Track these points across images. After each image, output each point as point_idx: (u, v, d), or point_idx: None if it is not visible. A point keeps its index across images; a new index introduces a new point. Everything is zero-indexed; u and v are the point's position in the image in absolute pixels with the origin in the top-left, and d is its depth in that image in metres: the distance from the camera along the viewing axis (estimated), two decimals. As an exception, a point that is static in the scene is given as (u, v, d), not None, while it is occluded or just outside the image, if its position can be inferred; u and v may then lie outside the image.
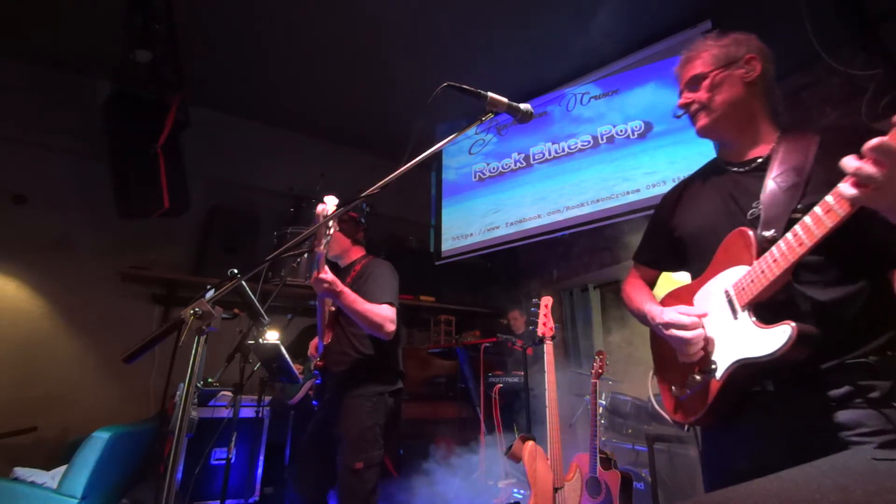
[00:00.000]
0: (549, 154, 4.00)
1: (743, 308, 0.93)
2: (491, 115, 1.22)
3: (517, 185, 4.14)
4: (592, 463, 2.36)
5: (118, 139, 3.26)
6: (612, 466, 2.41)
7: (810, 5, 2.72)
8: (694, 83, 1.11)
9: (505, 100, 1.20)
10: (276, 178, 4.48)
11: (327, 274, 1.80)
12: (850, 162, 0.73)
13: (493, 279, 4.66)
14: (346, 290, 1.86)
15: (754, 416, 0.97)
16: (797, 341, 0.82)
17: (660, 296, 1.25)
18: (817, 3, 2.71)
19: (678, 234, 1.19)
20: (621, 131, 3.61)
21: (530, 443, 2.04)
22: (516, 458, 2.04)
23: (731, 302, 0.96)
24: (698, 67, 1.11)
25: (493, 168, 4.35)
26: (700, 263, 1.08)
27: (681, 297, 1.12)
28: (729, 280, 0.97)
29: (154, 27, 2.82)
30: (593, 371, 2.64)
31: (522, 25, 3.39)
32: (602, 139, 3.70)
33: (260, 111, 4.43)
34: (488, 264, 4.92)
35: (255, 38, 3.48)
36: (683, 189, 1.25)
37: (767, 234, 0.92)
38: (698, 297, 1.06)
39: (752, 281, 0.91)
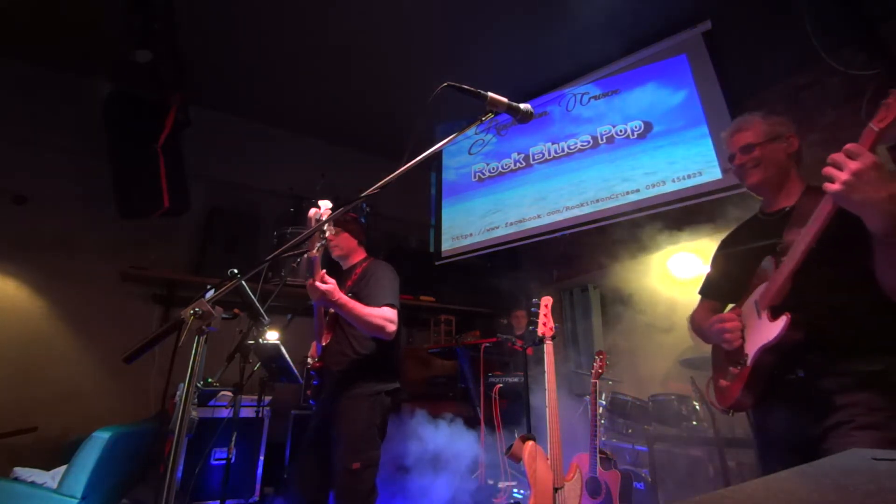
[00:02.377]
0: (549, 154, 4.00)
1: (763, 310, 1.23)
2: (491, 115, 1.22)
3: (517, 185, 4.14)
4: (592, 463, 2.36)
5: (118, 139, 3.26)
6: (612, 466, 2.41)
7: (810, 5, 2.72)
8: (747, 149, 1.41)
9: (505, 100, 1.20)
10: (276, 178, 4.49)
11: (323, 282, 1.78)
12: (826, 168, 1.01)
13: (493, 279, 4.66)
14: (343, 297, 1.85)
15: (788, 397, 1.21)
16: (791, 326, 1.12)
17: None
18: (817, 3, 2.71)
19: (731, 269, 1.50)
20: (621, 131, 3.61)
21: (530, 443, 2.04)
22: (516, 458, 2.04)
23: (757, 308, 1.26)
24: (751, 137, 1.42)
25: (493, 168, 4.35)
26: (746, 289, 1.38)
27: (734, 310, 1.43)
28: (757, 294, 1.29)
29: (154, 27, 2.82)
30: (593, 371, 2.64)
31: (522, 25, 3.39)
32: (602, 139, 3.71)
33: (260, 111, 4.43)
34: (488, 264, 4.92)
35: (256, 38, 3.48)
36: (734, 236, 1.59)
37: (784, 258, 1.20)
38: (743, 308, 1.36)
39: (768, 289, 1.23)
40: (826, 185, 1.02)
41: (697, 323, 1.59)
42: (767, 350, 1.17)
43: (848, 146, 0.99)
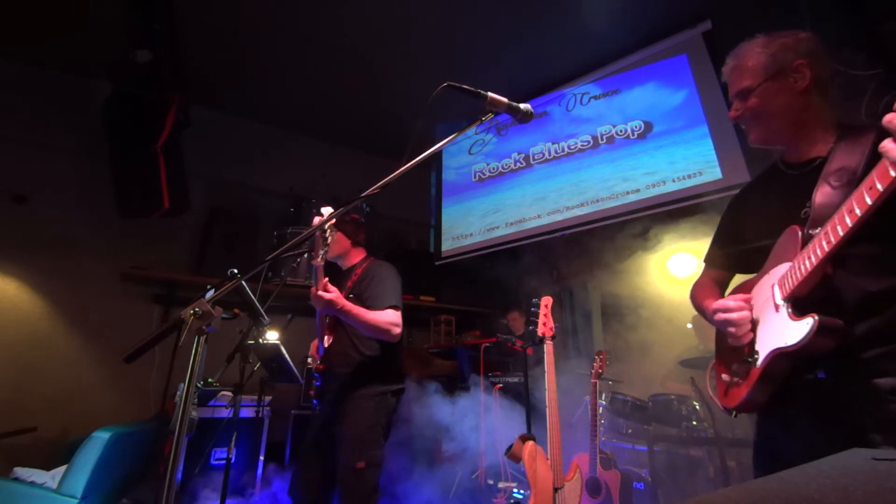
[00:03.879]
0: (549, 154, 4.00)
1: (783, 301, 0.96)
2: (491, 115, 1.22)
3: (517, 185, 4.14)
4: (592, 463, 2.36)
5: (118, 139, 3.26)
6: (612, 466, 2.41)
7: (810, 5, 2.72)
8: (743, 95, 1.11)
9: (505, 100, 1.20)
10: (276, 178, 4.48)
11: (328, 292, 1.78)
12: (891, 118, 0.66)
13: (493, 279, 4.66)
14: (347, 304, 1.85)
15: (805, 404, 0.99)
16: (818, 332, 0.85)
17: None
18: (817, 3, 2.71)
19: (745, 234, 1.21)
20: (621, 131, 3.61)
21: (530, 443, 2.04)
22: (516, 459, 2.04)
23: (775, 296, 1.00)
24: (747, 80, 1.10)
25: (493, 168, 4.35)
26: (762, 262, 1.11)
27: (743, 290, 1.16)
28: (777, 275, 1.01)
29: (154, 27, 2.82)
30: (593, 371, 2.64)
31: (523, 25, 3.39)
32: (602, 139, 3.70)
33: (259, 111, 4.43)
34: (488, 264, 4.92)
35: (255, 38, 3.48)
36: (747, 193, 1.29)
37: (814, 231, 0.92)
38: (755, 291, 1.10)
39: (792, 276, 0.95)
40: (887, 148, 0.69)
41: (699, 299, 1.30)
42: (785, 355, 0.93)
43: None
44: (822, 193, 0.96)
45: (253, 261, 3.99)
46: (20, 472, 2.51)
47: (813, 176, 1.01)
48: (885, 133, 0.71)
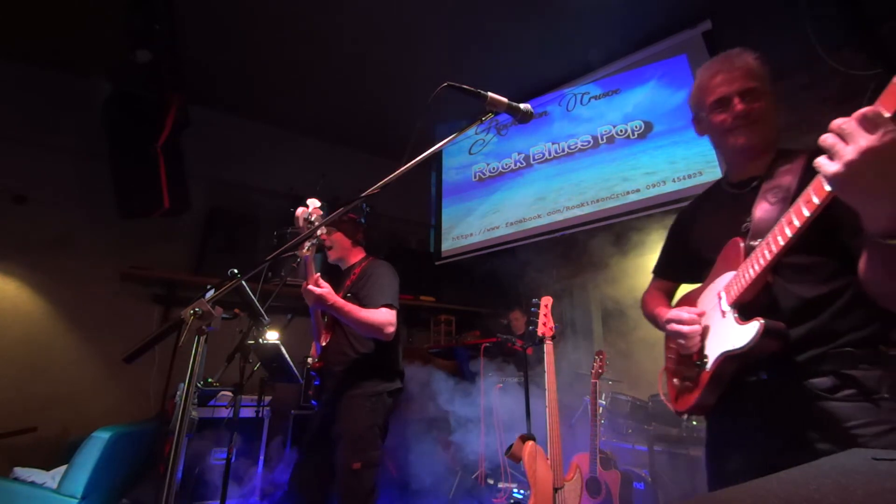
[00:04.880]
0: (549, 154, 4.00)
1: (729, 307, 1.04)
2: (491, 115, 1.22)
3: (517, 185, 4.14)
4: (592, 463, 2.36)
5: (118, 139, 3.26)
6: (612, 466, 2.41)
7: (810, 5, 2.72)
8: (751, 96, 1.11)
9: (505, 100, 1.20)
10: (276, 178, 4.48)
11: (317, 286, 1.77)
12: (825, 137, 0.72)
13: (493, 279, 4.66)
14: (339, 300, 1.84)
15: (751, 404, 1.06)
16: (764, 335, 0.92)
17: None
18: (817, 3, 2.71)
19: (691, 248, 1.29)
20: (621, 131, 3.61)
21: (530, 443, 2.04)
22: (516, 459, 2.04)
23: (721, 302, 1.07)
24: (756, 81, 1.12)
25: (493, 168, 4.35)
26: (707, 273, 1.19)
27: (689, 299, 1.24)
28: (722, 283, 1.09)
29: (154, 27, 2.82)
30: (593, 371, 2.64)
31: (523, 25, 3.39)
32: (602, 139, 3.71)
33: (259, 111, 4.43)
34: (488, 264, 4.92)
35: (255, 38, 3.48)
36: (693, 209, 1.38)
37: (755, 243, 1.01)
38: (701, 299, 1.18)
39: (737, 284, 1.02)
40: (820, 164, 0.72)
41: (650, 308, 1.37)
42: (732, 358, 1.00)
43: (865, 110, 0.67)
44: (761, 209, 1.05)
45: (253, 261, 3.99)
46: (20, 472, 2.51)
47: (752, 194, 1.10)
48: (818, 152, 0.74)
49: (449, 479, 3.42)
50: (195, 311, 0.90)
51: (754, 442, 1.03)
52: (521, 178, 4.13)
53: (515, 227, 4.01)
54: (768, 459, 0.97)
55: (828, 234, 0.93)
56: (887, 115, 0.66)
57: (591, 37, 3.46)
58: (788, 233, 0.86)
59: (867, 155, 0.66)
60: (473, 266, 4.78)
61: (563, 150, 3.91)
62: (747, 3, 3.07)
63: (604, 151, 3.67)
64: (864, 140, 0.67)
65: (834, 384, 0.94)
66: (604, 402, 2.96)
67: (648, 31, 3.47)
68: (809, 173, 0.86)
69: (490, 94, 1.18)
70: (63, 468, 2.35)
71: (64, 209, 3.57)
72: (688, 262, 1.30)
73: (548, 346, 2.16)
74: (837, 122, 0.70)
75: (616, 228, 3.62)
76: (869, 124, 0.67)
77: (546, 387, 2.07)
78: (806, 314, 0.99)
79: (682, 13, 3.29)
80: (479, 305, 5.03)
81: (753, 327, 0.94)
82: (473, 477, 3.37)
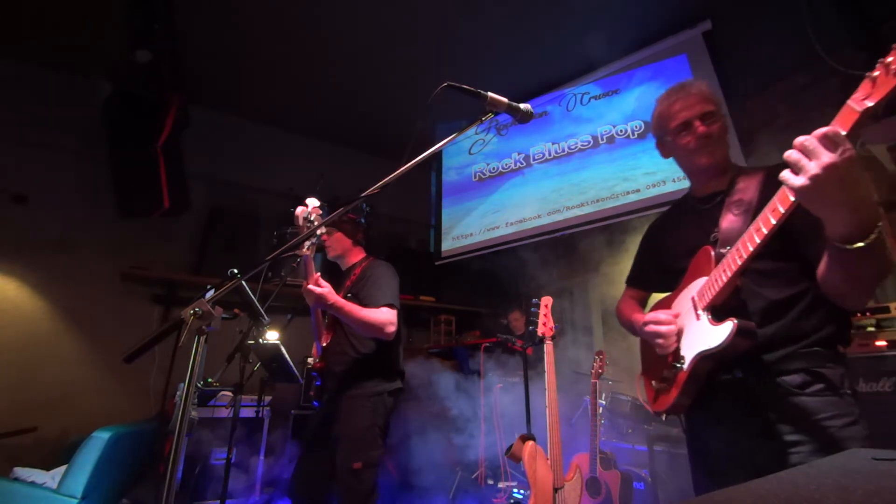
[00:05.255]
0: (550, 154, 4.00)
1: (702, 310, 1.10)
2: (491, 115, 1.22)
3: (517, 184, 4.14)
4: (592, 463, 2.36)
5: (118, 139, 3.26)
6: (612, 466, 2.41)
7: (810, 5, 2.72)
8: (709, 119, 1.23)
9: (505, 100, 1.20)
10: (276, 178, 4.49)
11: (317, 285, 1.77)
12: (790, 153, 0.81)
13: (493, 279, 4.66)
14: (339, 300, 1.84)
15: (726, 401, 1.12)
16: (737, 334, 0.99)
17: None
18: (817, 3, 2.70)
19: (662, 258, 1.38)
20: (621, 131, 3.61)
21: (530, 443, 2.04)
22: (516, 459, 2.04)
23: (695, 306, 1.13)
24: (712, 105, 1.24)
25: (493, 168, 4.35)
26: (678, 281, 1.27)
27: (664, 304, 1.32)
28: (695, 289, 1.16)
29: (154, 27, 2.82)
30: (593, 371, 2.64)
31: (523, 25, 3.39)
32: (602, 139, 3.70)
33: (260, 111, 4.43)
34: (488, 264, 4.92)
35: (256, 38, 3.48)
36: (662, 223, 1.48)
37: (724, 250, 1.09)
38: (675, 304, 1.24)
39: (709, 288, 1.09)
40: (786, 177, 0.81)
41: (626, 315, 1.45)
42: (708, 357, 1.06)
43: (825, 130, 0.77)
44: (728, 220, 1.15)
45: (253, 261, 3.99)
46: (20, 472, 2.51)
47: (718, 207, 1.21)
48: (772, 171, 0.87)
49: (449, 478, 3.42)
50: (195, 311, 0.90)
51: (729, 436, 1.10)
52: (521, 178, 4.13)
53: (515, 227, 4.01)
54: (744, 450, 1.07)
55: (789, 243, 1.05)
56: (844, 133, 0.76)
57: (591, 37, 3.45)
58: (757, 239, 0.94)
59: (829, 170, 0.76)
60: (473, 266, 4.78)
61: (563, 150, 3.91)
62: (747, 3, 3.07)
63: (604, 151, 3.67)
64: (826, 157, 0.76)
65: (804, 380, 1.03)
66: (604, 402, 2.96)
67: (648, 31, 3.47)
68: (768, 187, 0.98)
69: (490, 94, 1.18)
70: (63, 468, 2.35)
71: (64, 209, 3.57)
72: (659, 271, 1.38)
73: (548, 346, 2.16)
74: (800, 140, 0.79)
75: (616, 228, 3.62)
76: (829, 142, 0.77)
77: (546, 387, 2.07)
78: (773, 315, 1.07)
79: (682, 13, 3.29)
80: (479, 305, 5.03)
81: (727, 327, 1.00)
82: (473, 477, 3.37)
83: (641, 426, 2.92)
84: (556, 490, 1.98)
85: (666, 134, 1.32)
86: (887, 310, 2.03)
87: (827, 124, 0.78)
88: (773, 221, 0.89)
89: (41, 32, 3.35)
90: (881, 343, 1.97)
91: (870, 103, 0.75)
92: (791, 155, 0.80)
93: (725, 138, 1.25)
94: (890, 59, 0.76)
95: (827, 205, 0.81)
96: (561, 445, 2.03)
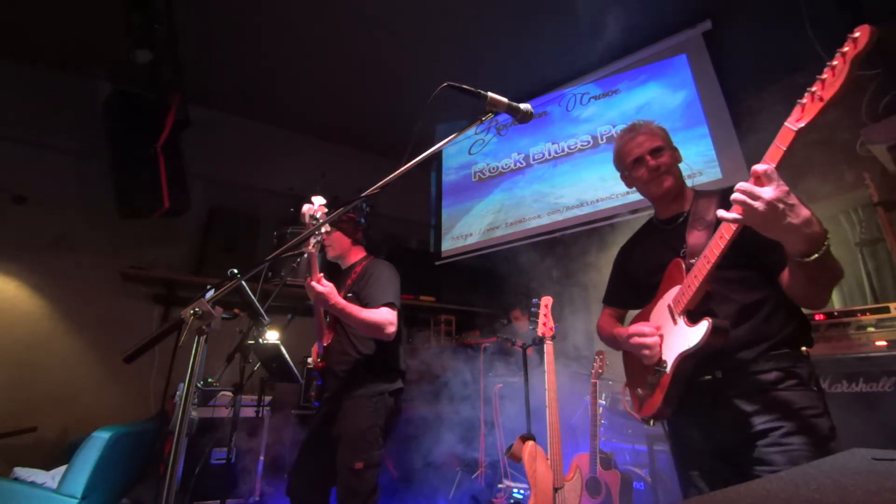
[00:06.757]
0: (549, 154, 4.00)
1: (679, 315, 1.20)
2: (491, 115, 1.22)
3: (517, 185, 4.14)
4: (592, 463, 2.36)
5: (118, 139, 3.26)
6: (612, 466, 2.41)
7: (810, 5, 2.72)
8: (658, 153, 1.42)
9: (505, 100, 1.20)
10: (276, 178, 4.49)
11: (320, 284, 1.78)
12: (735, 196, 0.98)
13: (493, 279, 4.66)
14: (340, 301, 1.85)
15: (707, 399, 1.23)
16: (713, 332, 1.09)
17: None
18: (817, 3, 2.71)
19: (635, 277, 1.52)
20: (621, 131, 3.61)
21: (530, 443, 2.04)
22: (516, 458, 2.04)
23: (671, 312, 1.24)
24: (659, 141, 1.43)
25: (493, 168, 4.35)
26: (652, 296, 1.39)
27: (642, 316, 1.43)
28: (670, 297, 1.26)
29: (154, 27, 2.82)
30: (593, 371, 2.64)
31: (523, 26, 3.39)
32: (602, 139, 3.70)
33: (259, 111, 4.43)
34: (488, 264, 4.92)
35: (256, 38, 3.48)
36: (632, 246, 1.63)
37: (693, 260, 1.21)
38: (653, 314, 1.35)
39: (683, 294, 1.19)
40: (741, 217, 0.98)
41: (607, 332, 1.59)
42: (688, 356, 1.15)
43: (760, 171, 0.93)
44: (693, 236, 1.29)
45: (253, 261, 4.00)
46: (20, 472, 2.51)
47: (682, 226, 1.36)
48: (725, 194, 1.06)
49: (449, 478, 3.42)
50: (195, 311, 0.90)
51: (708, 431, 1.23)
52: (521, 178, 4.13)
53: (515, 227, 4.01)
54: (723, 440, 1.19)
55: (750, 255, 1.20)
56: (773, 166, 0.93)
57: (591, 37, 3.45)
58: (721, 244, 1.08)
59: (772, 204, 0.92)
60: (473, 266, 4.78)
61: (563, 150, 3.91)
62: (747, 3, 3.07)
63: (604, 151, 3.66)
64: (767, 193, 0.92)
65: (779, 377, 1.16)
66: (604, 402, 2.96)
67: (648, 31, 3.47)
68: (724, 208, 1.11)
69: (490, 94, 1.19)
70: (63, 468, 2.34)
71: (64, 209, 3.57)
72: (633, 290, 1.53)
73: (548, 347, 2.16)
74: (742, 186, 0.95)
75: (616, 229, 3.62)
76: (766, 179, 0.93)
77: (546, 387, 2.07)
78: (744, 316, 1.21)
79: (682, 13, 3.30)
80: (479, 305, 5.02)
81: (703, 326, 1.10)
82: (473, 477, 3.37)
83: (641, 426, 2.92)
84: (556, 490, 1.98)
85: (625, 169, 1.49)
86: (887, 310, 2.03)
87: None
88: (727, 237, 1.05)
89: (41, 33, 3.35)
90: (881, 343, 1.97)
91: (801, 125, 0.92)
92: (737, 198, 0.96)
93: (675, 168, 1.43)
94: (814, 88, 0.93)
95: (780, 230, 0.95)
96: (561, 445, 2.03)
